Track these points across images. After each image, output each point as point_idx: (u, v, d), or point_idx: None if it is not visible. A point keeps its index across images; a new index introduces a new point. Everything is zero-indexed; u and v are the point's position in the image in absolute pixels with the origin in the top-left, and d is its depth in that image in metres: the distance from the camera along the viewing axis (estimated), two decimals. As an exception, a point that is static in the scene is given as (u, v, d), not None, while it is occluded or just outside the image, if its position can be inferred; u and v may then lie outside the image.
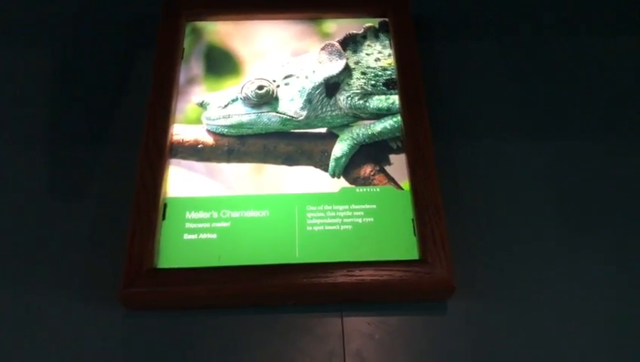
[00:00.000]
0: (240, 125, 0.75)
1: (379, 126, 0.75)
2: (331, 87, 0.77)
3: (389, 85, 0.78)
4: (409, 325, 0.65)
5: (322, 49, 0.79)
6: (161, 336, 0.64)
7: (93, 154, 0.77)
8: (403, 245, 0.67)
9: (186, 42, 0.83)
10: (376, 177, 0.72)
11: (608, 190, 0.76)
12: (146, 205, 0.67)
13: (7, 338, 0.64)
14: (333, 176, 0.72)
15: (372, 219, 0.69)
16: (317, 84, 0.77)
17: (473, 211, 0.73)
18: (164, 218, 0.68)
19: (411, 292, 0.65)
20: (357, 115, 0.76)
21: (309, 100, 0.76)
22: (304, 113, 0.75)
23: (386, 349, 0.64)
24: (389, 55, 0.81)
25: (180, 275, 0.63)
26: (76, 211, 0.72)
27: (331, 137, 0.75)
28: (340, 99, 0.76)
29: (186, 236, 0.67)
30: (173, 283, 0.63)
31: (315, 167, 0.73)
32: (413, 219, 0.68)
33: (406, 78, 0.78)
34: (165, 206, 0.69)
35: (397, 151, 0.74)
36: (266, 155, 0.73)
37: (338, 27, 0.84)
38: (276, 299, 0.65)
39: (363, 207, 0.70)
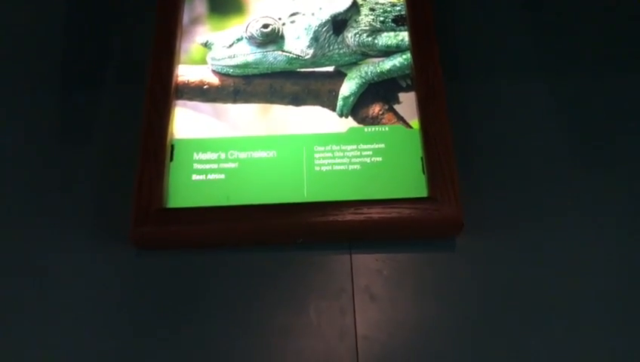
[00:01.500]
0: (245, 65, 0.73)
1: (388, 63, 0.73)
2: (339, 24, 0.75)
3: (398, 21, 0.76)
4: (417, 262, 0.65)
5: (329, -15, 0.77)
6: (173, 275, 0.65)
7: (98, 96, 0.77)
8: (412, 183, 0.66)
9: (189, -19, 0.80)
10: (385, 116, 0.71)
11: (622, 128, 0.74)
12: (153, 146, 0.67)
13: (19, 279, 0.65)
14: (341, 115, 0.71)
15: (380, 159, 0.68)
16: (324, 21, 0.75)
17: (484, 150, 0.72)
18: (171, 159, 0.68)
19: (419, 230, 0.65)
20: (365, 53, 0.74)
21: (315, 38, 0.74)
22: (311, 51, 0.74)
23: (395, 285, 0.64)
24: (398, -10, 0.78)
25: (190, 214, 0.64)
26: (85, 154, 0.72)
27: (339, 76, 0.73)
28: (347, 37, 0.74)
29: (195, 177, 0.67)
30: (182, 221, 0.63)
31: (323, 106, 0.72)
32: (422, 158, 0.68)
33: (416, 14, 0.76)
34: (172, 147, 0.69)
35: (406, 90, 0.73)
36: (272, 95, 0.72)
37: (345, -38, 0.81)
38: (285, 237, 0.65)
39: (371, 146, 0.69)
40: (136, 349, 0.61)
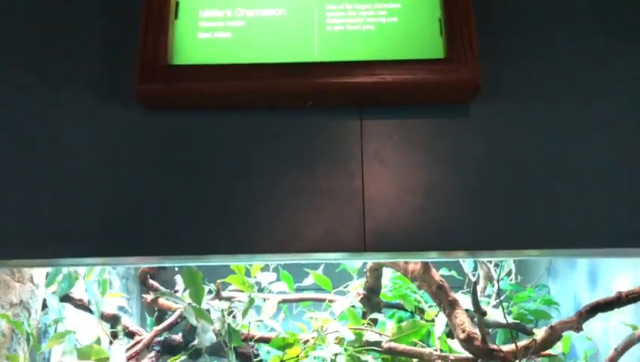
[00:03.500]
0: None
1: None
2: None
3: None
4: (430, 127, 0.64)
5: None
6: (182, 135, 0.64)
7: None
8: (428, 45, 0.63)
9: None
10: (402, -26, 0.66)
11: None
12: (157, 3, 0.64)
13: (29, 137, 0.64)
14: (355, -28, 0.66)
15: (396, 19, 0.64)
16: None
17: (505, 14, 0.68)
18: (176, 17, 0.65)
19: (434, 93, 0.63)
20: None
21: None
22: None
23: (405, 150, 0.63)
24: None
25: (196, 71, 0.62)
26: (88, 12, 0.69)
27: None
28: None
29: (200, 35, 0.64)
30: (189, 78, 0.62)
31: (336, -38, 0.67)
32: (440, 19, 0.64)
33: None
34: (177, 4, 0.65)
35: (426, -54, 0.67)
36: (282, -51, 0.67)
37: None
38: (295, 99, 0.64)
39: (387, 6, 0.65)
40: (146, 206, 0.62)
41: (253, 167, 0.63)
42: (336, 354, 0.96)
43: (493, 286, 1.60)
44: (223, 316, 0.97)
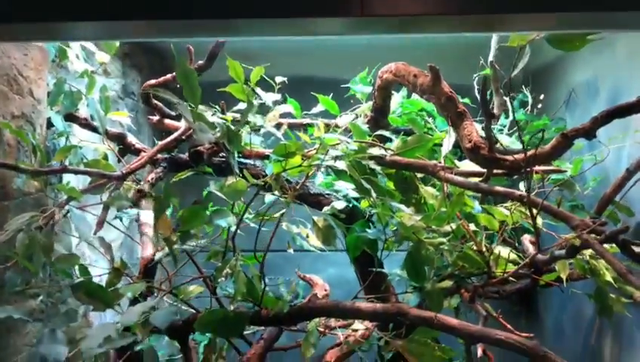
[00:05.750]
0: None
1: None
2: None
3: None
4: None
5: None
6: None
7: None
8: None
9: None
10: None
11: None
12: None
13: None
14: None
15: None
16: None
17: None
18: None
19: None
20: None
21: None
22: None
23: None
24: None
25: None
26: None
27: None
28: None
29: None
30: None
31: None
32: None
33: None
34: None
35: None
36: None
37: None
38: None
39: None
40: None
41: None
42: (336, 157, 0.94)
43: (507, 116, 1.55)
44: (225, 121, 0.94)
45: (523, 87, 1.61)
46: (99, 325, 0.90)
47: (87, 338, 0.81)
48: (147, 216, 1.06)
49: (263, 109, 1.12)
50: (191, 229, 0.94)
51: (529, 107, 1.60)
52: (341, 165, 0.94)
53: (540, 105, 1.63)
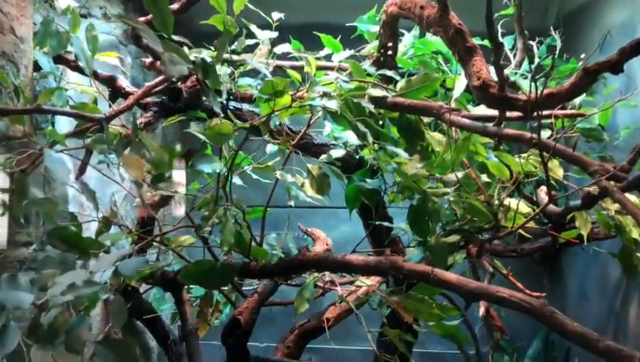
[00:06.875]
0: None
1: None
2: None
3: None
4: None
5: None
6: None
7: None
8: None
9: None
10: None
11: None
12: None
13: None
14: None
15: None
16: None
17: None
18: None
19: None
20: None
21: None
22: None
23: None
24: None
25: None
26: None
27: None
28: None
29: None
30: None
31: None
32: None
33: None
34: None
35: None
36: None
37: None
38: None
39: None
40: None
41: None
42: (323, 95, 0.85)
43: (532, 62, 1.41)
44: (199, 58, 0.85)
45: (552, 30, 1.47)
46: (70, 272, 0.85)
47: (55, 286, 0.76)
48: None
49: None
50: (163, 171, 0.87)
51: (557, 52, 1.46)
52: (332, 105, 0.85)
53: (571, 51, 1.49)
